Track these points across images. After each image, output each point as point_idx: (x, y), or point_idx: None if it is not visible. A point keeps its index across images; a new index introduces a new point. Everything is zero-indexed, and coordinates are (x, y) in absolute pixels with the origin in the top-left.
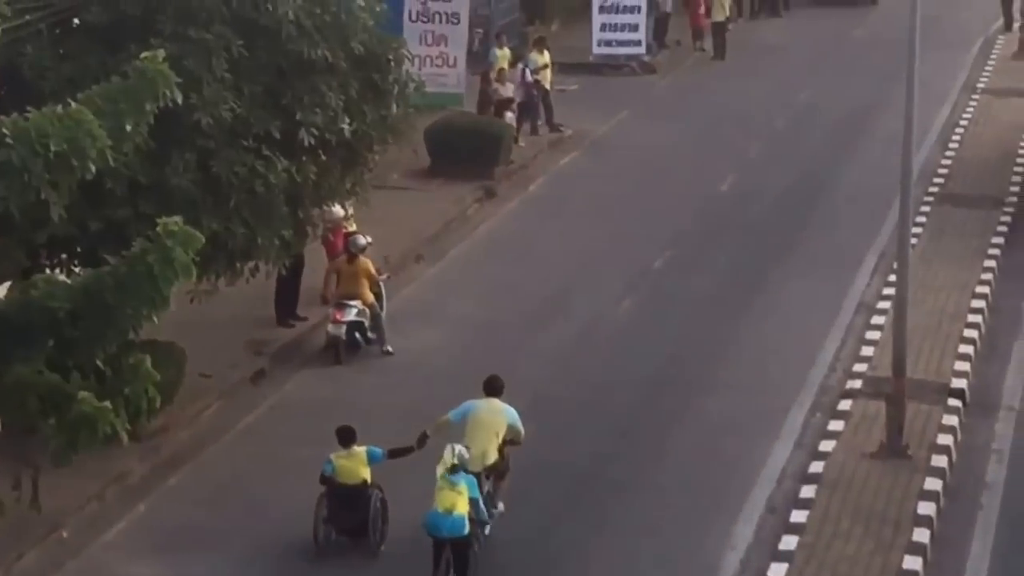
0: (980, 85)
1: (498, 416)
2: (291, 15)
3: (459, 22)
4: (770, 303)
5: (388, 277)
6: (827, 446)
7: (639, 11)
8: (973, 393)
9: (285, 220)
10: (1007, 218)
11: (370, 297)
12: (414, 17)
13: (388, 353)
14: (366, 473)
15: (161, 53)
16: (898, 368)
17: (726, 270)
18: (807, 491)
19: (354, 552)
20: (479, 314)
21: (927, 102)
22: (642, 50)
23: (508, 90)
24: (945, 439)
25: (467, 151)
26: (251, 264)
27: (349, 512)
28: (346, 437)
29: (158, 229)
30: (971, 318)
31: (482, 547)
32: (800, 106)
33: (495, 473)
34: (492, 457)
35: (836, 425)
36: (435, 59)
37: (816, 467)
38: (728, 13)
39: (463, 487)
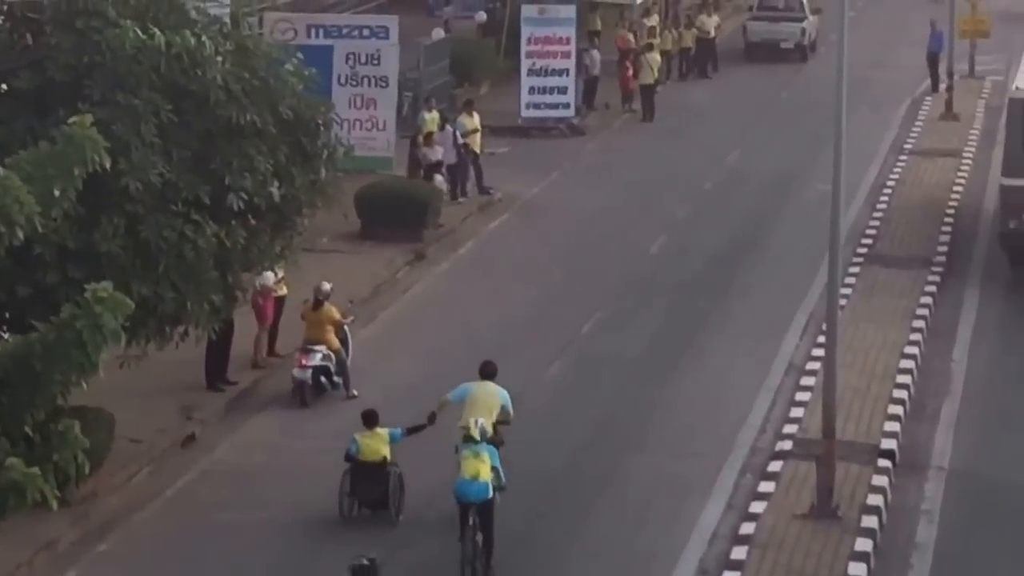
0: (908, 146)
1: (492, 397)
2: (220, 80)
3: (388, 85)
4: (699, 364)
5: (353, 320)
6: (758, 507)
7: (567, 74)
8: (903, 453)
9: (214, 284)
10: (935, 278)
11: (335, 342)
12: (343, 81)
13: (353, 397)
14: (386, 451)
15: (89, 118)
16: (828, 429)
17: (655, 332)
18: (739, 552)
19: (375, 522)
20: (409, 378)
21: (855, 163)
22: (571, 112)
23: (437, 153)
24: (875, 500)
25: (396, 214)
26: (181, 329)
27: (370, 486)
28: (370, 419)
29: (87, 295)
30: (900, 378)
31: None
32: (729, 167)
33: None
34: (489, 430)
35: (767, 486)
36: (364, 123)
37: (747, 528)
38: (656, 75)
39: (486, 456)
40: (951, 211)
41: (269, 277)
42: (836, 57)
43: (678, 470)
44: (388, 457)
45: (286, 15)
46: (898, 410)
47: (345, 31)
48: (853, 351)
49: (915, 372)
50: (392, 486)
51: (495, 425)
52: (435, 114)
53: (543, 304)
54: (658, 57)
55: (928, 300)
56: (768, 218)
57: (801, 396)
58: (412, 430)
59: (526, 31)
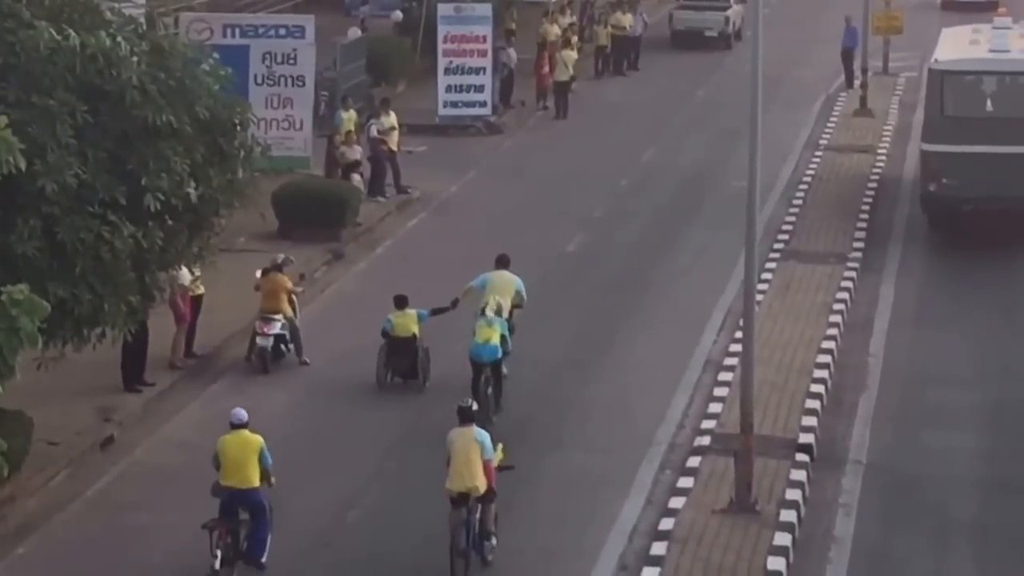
0: (823, 142)
1: (508, 282)
2: (135, 80)
3: (304, 85)
4: (617, 362)
5: (302, 291)
6: (677, 503)
7: (484, 72)
8: (820, 448)
9: (132, 285)
10: (851, 273)
11: (289, 311)
12: (259, 80)
13: (305, 363)
14: (415, 328)
15: (3, 120)
16: (746, 424)
17: (573, 330)
18: (658, 548)
19: (406, 388)
20: (327, 377)
21: (771, 159)
22: (488, 111)
23: (355, 152)
24: (793, 494)
25: (314, 214)
26: (98, 330)
27: (402, 358)
28: (401, 302)
29: (2, 298)
30: (817, 373)
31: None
32: (645, 165)
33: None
34: (506, 311)
35: (685, 482)
36: (281, 122)
37: (667, 524)
38: (572, 72)
39: (497, 326)
40: (866, 207)
41: (186, 276)
42: (751, 54)
43: (597, 467)
44: (417, 334)
45: (202, 15)
46: (815, 405)
47: (261, 31)
48: (770, 346)
49: (832, 367)
50: (420, 358)
51: (512, 309)
52: (352, 113)
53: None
54: (574, 54)
55: (844, 295)
56: (684, 215)
57: (719, 392)
58: (437, 311)
59: (442, 29)
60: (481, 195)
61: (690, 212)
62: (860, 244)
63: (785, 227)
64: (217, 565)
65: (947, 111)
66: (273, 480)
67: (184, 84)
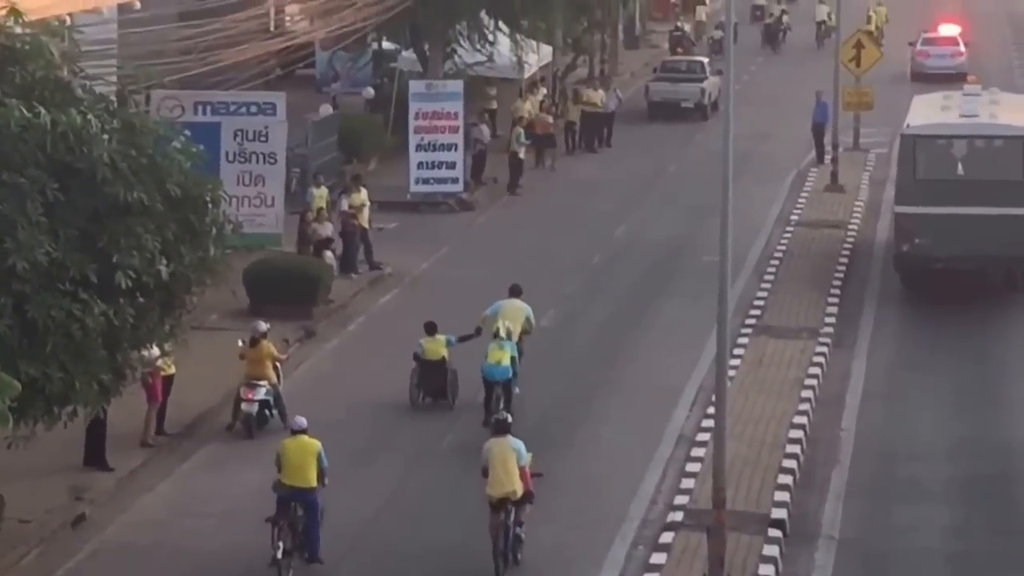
0: (794, 217)
1: (519, 310)
2: (106, 158)
3: (276, 162)
4: (590, 436)
5: (287, 358)
6: None
7: (456, 149)
8: (793, 523)
9: (103, 363)
10: (823, 348)
11: (274, 377)
12: (231, 158)
13: (287, 428)
14: (445, 352)
15: None
16: (718, 500)
17: (545, 404)
18: None
19: (436, 407)
20: None
21: (742, 234)
22: (459, 187)
23: (327, 229)
24: (766, 569)
25: (286, 291)
26: (69, 409)
27: (433, 379)
28: (431, 328)
29: None
30: (789, 448)
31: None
32: (617, 240)
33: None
34: (517, 334)
35: (658, 558)
36: (253, 199)
37: None
38: (517, 148)
39: (508, 349)
40: (838, 282)
41: (157, 355)
42: (722, 130)
43: (569, 542)
44: (446, 357)
45: (173, 92)
46: (788, 480)
47: (233, 108)
48: (743, 421)
49: (804, 441)
50: (449, 379)
51: (522, 335)
52: (324, 190)
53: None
54: (521, 132)
55: (816, 370)
56: (656, 290)
57: (692, 467)
58: (463, 338)
59: (414, 106)
60: (453, 271)
61: (662, 287)
62: (832, 319)
63: (757, 302)
64: (279, 555)
65: (919, 174)
66: (327, 481)
67: (155, 161)
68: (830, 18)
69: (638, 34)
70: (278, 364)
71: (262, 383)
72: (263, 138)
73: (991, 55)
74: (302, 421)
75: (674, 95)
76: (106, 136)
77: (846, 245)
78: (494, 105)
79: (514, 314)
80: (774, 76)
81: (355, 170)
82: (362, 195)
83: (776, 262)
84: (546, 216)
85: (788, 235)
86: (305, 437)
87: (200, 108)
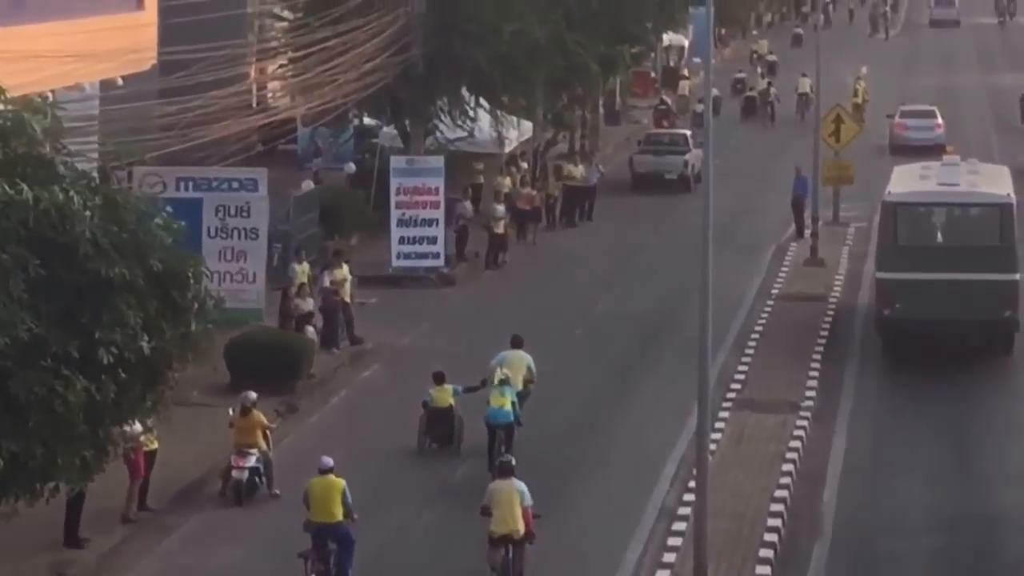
0: (774, 291)
1: (521, 360)
2: (88, 234)
3: (258, 237)
4: (572, 509)
5: (276, 427)
6: None
7: (437, 224)
8: None
9: (85, 439)
10: (804, 422)
11: (264, 445)
12: (213, 233)
13: (275, 495)
14: (452, 401)
15: None
16: (700, 574)
17: (528, 477)
18: None
19: (443, 452)
20: (281, 530)
21: (723, 308)
22: (441, 262)
23: (308, 305)
24: None
25: (268, 366)
26: (51, 485)
27: (440, 426)
28: (439, 378)
29: None
30: (771, 522)
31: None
32: (599, 315)
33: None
34: (520, 385)
35: None
36: (235, 275)
37: None
38: (504, 219)
39: (508, 395)
40: (818, 356)
41: (139, 430)
42: (703, 204)
43: None
44: (453, 405)
45: (155, 169)
46: (769, 554)
47: (214, 184)
48: (724, 496)
49: (785, 516)
50: (456, 426)
51: (525, 383)
52: (305, 265)
53: (413, 456)
54: (501, 208)
55: (797, 444)
56: (638, 365)
57: (673, 541)
58: (469, 389)
59: (395, 181)
60: (435, 346)
61: (644, 361)
62: (812, 393)
63: (738, 376)
64: None
65: (900, 241)
66: (355, 516)
67: (137, 238)
68: (812, 91)
69: (618, 109)
70: (268, 433)
71: (252, 451)
72: (245, 214)
73: (971, 130)
74: (328, 461)
75: (658, 167)
76: (88, 212)
77: (826, 319)
78: (480, 180)
79: (516, 363)
80: (755, 149)
81: (337, 245)
82: (344, 270)
83: (757, 336)
84: (528, 290)
85: (769, 309)
86: (331, 476)
87: (182, 184)
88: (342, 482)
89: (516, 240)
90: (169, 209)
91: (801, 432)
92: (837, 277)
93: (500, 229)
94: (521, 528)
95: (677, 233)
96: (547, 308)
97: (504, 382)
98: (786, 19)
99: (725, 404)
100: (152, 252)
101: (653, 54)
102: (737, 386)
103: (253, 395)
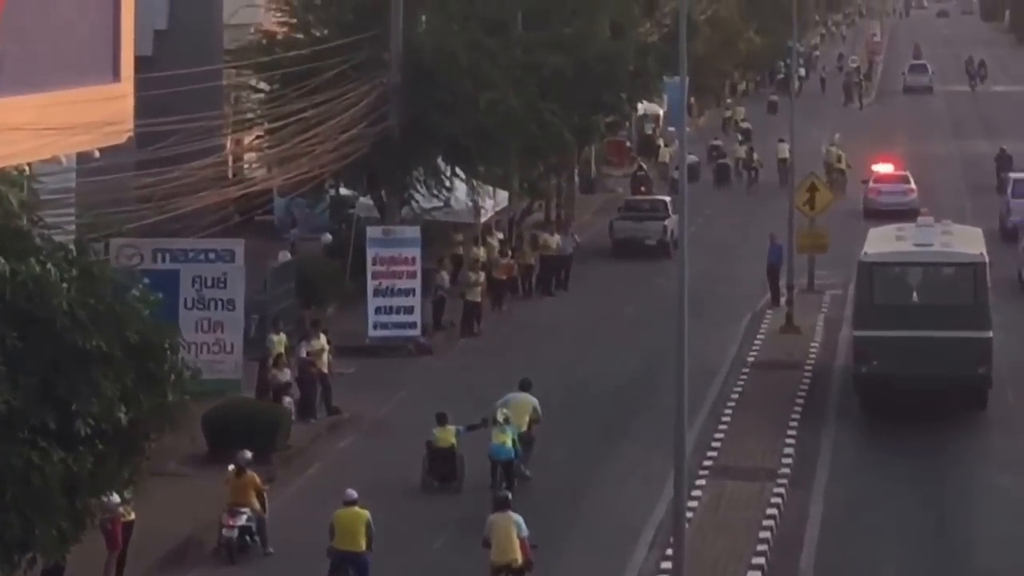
0: (750, 358)
1: (527, 402)
2: (65, 306)
3: (235, 308)
4: None
5: (269, 488)
6: None
7: (414, 293)
8: None
9: (62, 511)
10: (780, 489)
11: (256, 504)
12: (189, 304)
13: (269, 553)
14: (454, 441)
15: None
16: None
17: None
18: None
19: (445, 491)
20: None
21: (699, 376)
22: (417, 332)
23: (286, 375)
24: None
25: (245, 437)
26: (28, 556)
27: (443, 464)
28: (442, 419)
29: None
30: None
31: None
32: (575, 383)
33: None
34: (524, 425)
35: None
36: (211, 346)
37: None
38: (480, 287)
39: (509, 433)
40: (794, 423)
41: (116, 500)
42: (678, 272)
43: None
44: (455, 445)
45: (132, 240)
46: None
47: (191, 255)
48: (701, 563)
49: None
50: (458, 465)
51: (530, 424)
52: (282, 336)
53: (392, 524)
54: (477, 276)
55: (774, 511)
56: (615, 432)
57: None
58: (471, 427)
59: (372, 252)
60: (412, 416)
61: (621, 429)
62: (789, 460)
63: (715, 443)
64: None
65: (876, 299)
66: (373, 546)
67: (114, 310)
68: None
69: (594, 178)
70: (264, 494)
71: (244, 510)
72: (222, 285)
73: (945, 196)
74: (353, 493)
75: (637, 233)
76: (65, 285)
77: (802, 386)
78: (460, 250)
79: (522, 405)
80: (732, 215)
81: (314, 315)
82: (322, 340)
83: (733, 403)
84: (505, 359)
85: (745, 376)
86: (356, 508)
87: (159, 256)
88: (366, 513)
89: (492, 309)
90: (146, 280)
91: (778, 499)
92: (813, 344)
93: (475, 297)
94: (519, 557)
95: (654, 300)
96: (524, 376)
97: (505, 422)
98: (761, 87)
99: (702, 471)
100: (129, 324)
101: (628, 123)
102: (714, 453)
103: (248, 454)
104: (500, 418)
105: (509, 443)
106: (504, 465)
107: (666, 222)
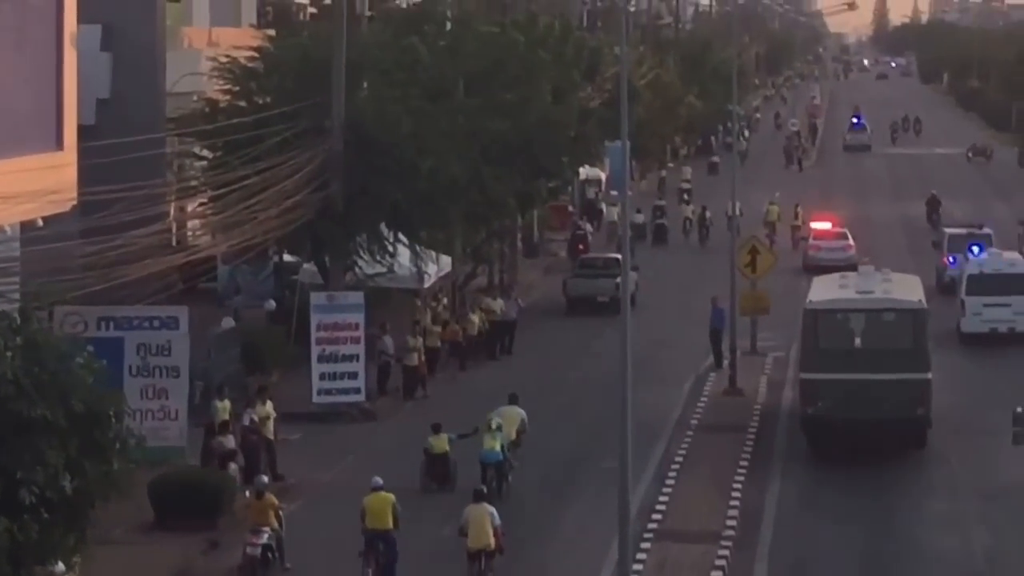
0: (694, 421)
1: (515, 413)
2: (10, 375)
3: (179, 375)
4: None
5: (286, 507)
6: None
7: (358, 359)
8: None
9: None
10: (725, 552)
11: (275, 524)
12: (134, 372)
13: (287, 569)
14: (447, 447)
15: None
16: None
17: None
18: None
19: (441, 491)
20: None
21: (642, 439)
22: (362, 397)
23: (231, 442)
24: None
25: (190, 504)
26: None
27: (438, 469)
28: (437, 428)
29: None
30: None
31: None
32: (520, 448)
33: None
34: (513, 435)
35: None
36: (156, 413)
37: None
38: (420, 356)
39: (498, 438)
40: (738, 485)
41: (62, 569)
42: (619, 338)
43: None
44: (448, 451)
45: (76, 308)
46: None
47: (135, 322)
48: None
49: None
50: (451, 468)
51: (518, 434)
52: (227, 403)
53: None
54: (417, 341)
55: (719, 574)
56: (558, 497)
57: None
58: (462, 436)
59: (315, 318)
60: (357, 482)
61: (564, 492)
62: (733, 522)
63: (659, 507)
64: None
65: (821, 344)
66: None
67: (59, 378)
68: (741, 213)
69: (536, 243)
70: (280, 513)
71: (265, 529)
72: (166, 352)
73: (886, 256)
74: (379, 480)
75: (591, 290)
76: (9, 353)
77: (746, 448)
78: (417, 316)
79: (511, 416)
80: (676, 275)
81: (260, 382)
82: (267, 407)
83: (677, 466)
84: (448, 424)
85: (689, 439)
86: (383, 492)
87: (103, 323)
88: (392, 496)
89: (436, 375)
90: (90, 348)
91: (723, 561)
92: (756, 407)
93: (412, 362)
94: (492, 543)
95: (597, 366)
96: (467, 443)
97: (497, 429)
98: (702, 151)
99: (647, 534)
100: (74, 392)
101: (570, 187)
102: (658, 516)
103: (265, 479)
104: (493, 425)
105: (498, 447)
106: (495, 467)
107: (619, 279)
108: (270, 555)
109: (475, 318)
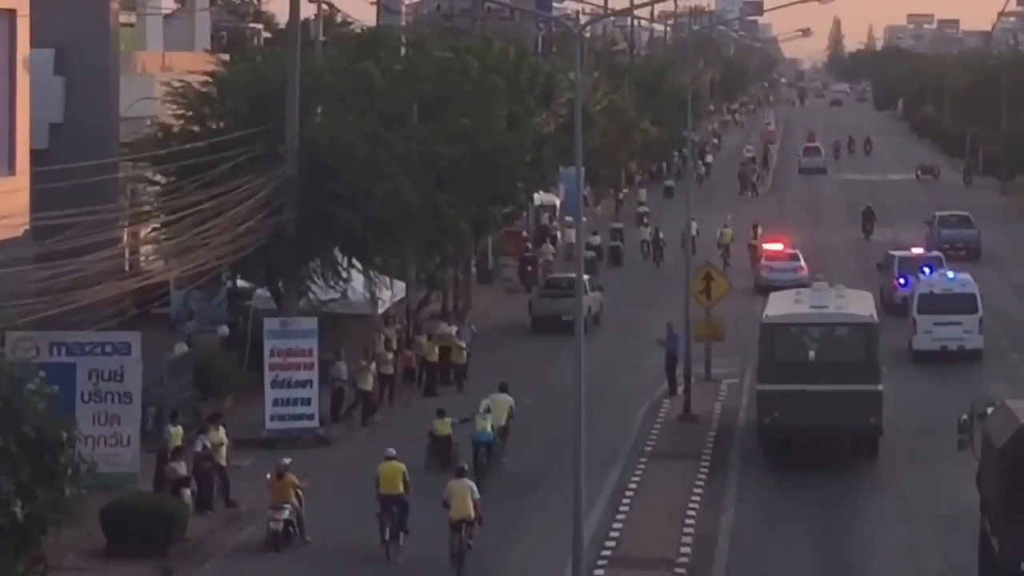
0: (648, 448)
1: (505, 401)
2: None
3: (131, 401)
4: None
5: (306, 485)
6: None
7: (311, 385)
8: None
9: None
10: None
11: (295, 502)
12: (86, 398)
13: (307, 542)
14: (449, 431)
15: None
16: None
17: None
18: None
19: (444, 470)
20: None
21: (596, 467)
22: (315, 423)
23: (183, 468)
24: None
25: (142, 530)
26: None
27: (441, 450)
28: (441, 413)
29: None
30: None
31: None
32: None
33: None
34: (503, 420)
35: None
36: (108, 439)
37: None
38: (373, 377)
39: (488, 419)
40: (692, 512)
41: None
42: (572, 365)
43: None
44: (451, 434)
45: (28, 333)
46: None
47: (88, 348)
48: None
49: None
50: (453, 450)
51: (508, 420)
52: (179, 428)
53: (422, 472)
54: (372, 367)
55: None
56: (511, 522)
57: None
58: (463, 421)
59: (269, 344)
60: (310, 507)
61: (517, 519)
62: (687, 548)
63: (613, 533)
64: (387, 536)
65: (777, 357)
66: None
67: (10, 404)
68: (698, 234)
69: (491, 268)
70: (300, 491)
71: (286, 506)
72: (118, 378)
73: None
74: (392, 451)
75: (557, 309)
76: None
77: (700, 474)
78: (380, 345)
79: (501, 403)
80: (632, 296)
81: (214, 408)
82: (220, 433)
83: (631, 493)
84: (402, 451)
85: (643, 466)
86: (394, 461)
87: (55, 349)
88: (403, 465)
89: (390, 402)
90: (42, 374)
91: None
92: (710, 433)
93: (368, 387)
94: (472, 514)
95: (552, 391)
96: (421, 468)
97: (488, 411)
98: (656, 176)
99: (600, 561)
100: (25, 418)
101: (525, 213)
102: (612, 543)
103: (287, 460)
104: (482, 408)
105: (489, 428)
106: (486, 446)
107: (584, 298)
108: (291, 529)
109: (428, 342)
